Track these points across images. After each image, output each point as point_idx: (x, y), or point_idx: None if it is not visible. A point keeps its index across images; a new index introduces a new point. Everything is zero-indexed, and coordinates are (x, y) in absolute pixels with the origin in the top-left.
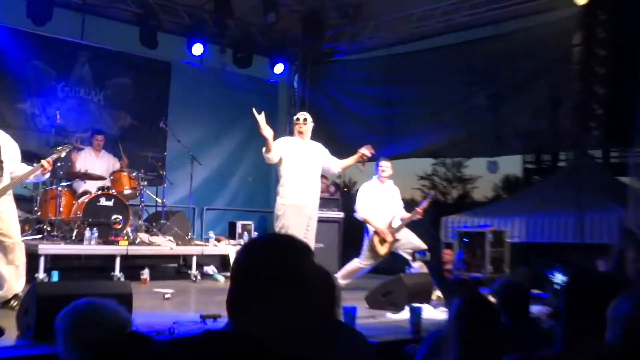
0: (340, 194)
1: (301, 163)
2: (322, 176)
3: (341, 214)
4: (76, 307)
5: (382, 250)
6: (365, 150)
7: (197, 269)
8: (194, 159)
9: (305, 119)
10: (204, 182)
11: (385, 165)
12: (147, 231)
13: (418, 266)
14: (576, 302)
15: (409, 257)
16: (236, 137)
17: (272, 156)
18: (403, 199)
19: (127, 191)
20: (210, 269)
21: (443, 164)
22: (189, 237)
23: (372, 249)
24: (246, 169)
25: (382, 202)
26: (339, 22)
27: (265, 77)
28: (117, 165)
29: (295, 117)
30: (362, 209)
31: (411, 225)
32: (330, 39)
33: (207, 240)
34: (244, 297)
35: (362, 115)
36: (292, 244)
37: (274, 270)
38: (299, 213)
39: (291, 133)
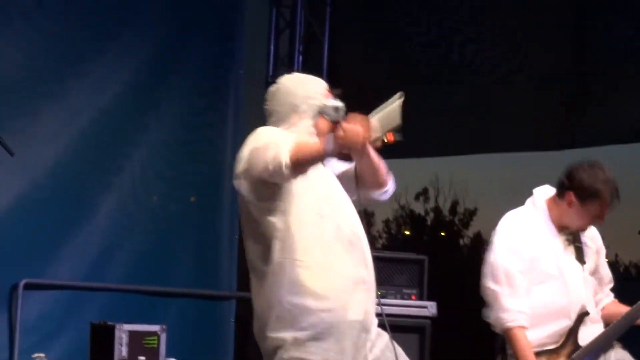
0: (420, 243)
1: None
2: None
3: (428, 307)
4: None
5: None
6: None
7: None
8: None
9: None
10: (21, 207)
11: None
12: None
13: None
14: None
15: None
16: (115, 80)
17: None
18: (613, 263)
19: None
20: None
21: None
22: None
23: None
24: (148, 170)
25: (558, 274)
26: None
27: None
28: None
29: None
30: (510, 300)
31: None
32: None
33: None
34: None
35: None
36: None
37: None
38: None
39: (271, 76)
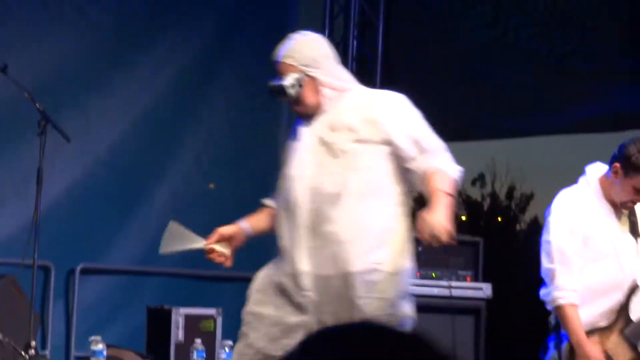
0: (477, 228)
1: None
2: None
3: (484, 289)
4: None
5: None
6: None
7: None
8: (48, 123)
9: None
10: (77, 194)
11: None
12: None
13: None
14: None
15: None
16: (168, 68)
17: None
18: None
19: None
20: None
21: None
22: (32, 354)
23: None
24: (202, 157)
25: (613, 251)
26: None
27: None
28: None
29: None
30: (563, 278)
31: None
32: None
33: None
34: None
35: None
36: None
37: None
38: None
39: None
